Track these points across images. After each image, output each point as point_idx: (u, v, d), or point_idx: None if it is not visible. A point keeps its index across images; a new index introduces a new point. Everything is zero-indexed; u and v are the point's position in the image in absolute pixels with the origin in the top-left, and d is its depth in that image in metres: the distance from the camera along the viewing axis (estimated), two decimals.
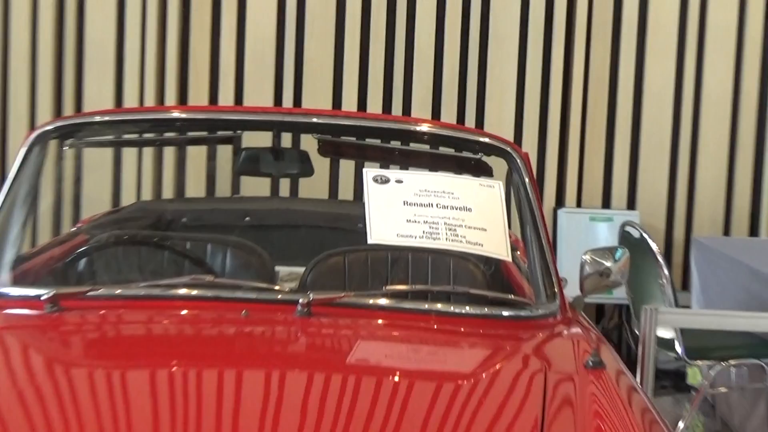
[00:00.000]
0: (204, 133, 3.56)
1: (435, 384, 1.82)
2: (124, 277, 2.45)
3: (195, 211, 3.53)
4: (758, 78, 5.41)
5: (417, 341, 2.07)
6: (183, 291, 2.13)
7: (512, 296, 2.37)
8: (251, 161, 3.27)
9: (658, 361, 3.60)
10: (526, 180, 2.45)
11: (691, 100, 5.42)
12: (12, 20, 5.22)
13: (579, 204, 5.43)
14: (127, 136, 3.23)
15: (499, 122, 5.33)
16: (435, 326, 2.11)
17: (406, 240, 2.13)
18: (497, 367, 1.97)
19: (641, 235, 4.12)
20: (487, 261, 2.59)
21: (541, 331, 2.14)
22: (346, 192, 5.25)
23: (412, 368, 1.95)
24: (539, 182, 5.32)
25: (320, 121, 2.65)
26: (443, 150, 2.86)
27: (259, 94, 5.27)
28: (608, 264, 2.30)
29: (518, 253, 2.74)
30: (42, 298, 2.05)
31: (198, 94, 5.27)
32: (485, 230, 2.17)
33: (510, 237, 2.23)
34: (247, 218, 3.50)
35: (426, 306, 2.16)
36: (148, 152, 5.18)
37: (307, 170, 3.33)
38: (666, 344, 3.73)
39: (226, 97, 5.28)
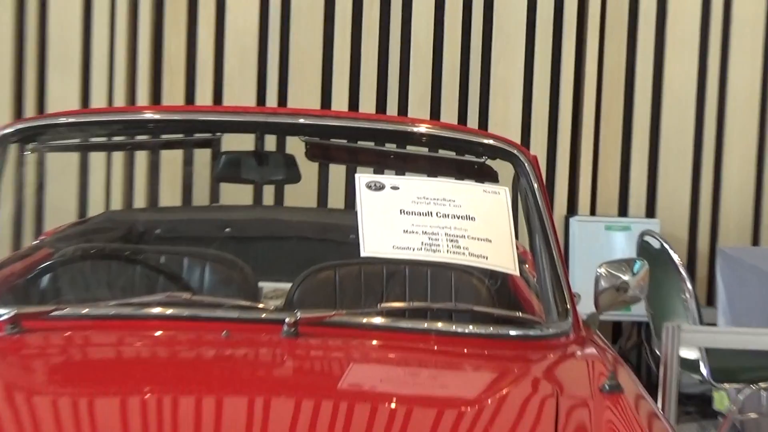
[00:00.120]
0: (180, 136, 3.56)
1: (435, 411, 1.82)
2: (91, 294, 2.44)
3: (170, 222, 3.53)
4: None
5: (415, 364, 2.08)
6: (157, 310, 2.13)
7: (520, 314, 2.37)
8: (232, 166, 3.27)
9: (682, 384, 3.61)
10: (535, 185, 2.45)
11: (715, 100, 5.45)
12: None
13: (593, 212, 5.44)
14: (94, 140, 3.24)
15: (505, 123, 5.33)
16: (435, 347, 2.12)
17: (403, 252, 2.13)
18: (504, 392, 1.97)
19: (662, 245, 4.13)
20: (493, 275, 2.58)
21: (552, 351, 2.15)
22: (336, 200, 5.25)
23: (410, 394, 1.95)
24: (549, 188, 5.33)
25: (308, 122, 2.66)
26: (443, 153, 2.87)
27: (240, 92, 5.28)
28: (626, 278, 2.31)
29: (526, 266, 2.74)
30: (1, 318, 2.05)
31: (173, 93, 5.27)
32: (490, 241, 2.17)
33: (517, 248, 2.23)
34: (228, 229, 3.51)
35: (425, 325, 2.16)
36: (118, 157, 5.17)
37: (294, 176, 3.33)
38: (690, 365, 3.74)
39: (203, 96, 5.28)
